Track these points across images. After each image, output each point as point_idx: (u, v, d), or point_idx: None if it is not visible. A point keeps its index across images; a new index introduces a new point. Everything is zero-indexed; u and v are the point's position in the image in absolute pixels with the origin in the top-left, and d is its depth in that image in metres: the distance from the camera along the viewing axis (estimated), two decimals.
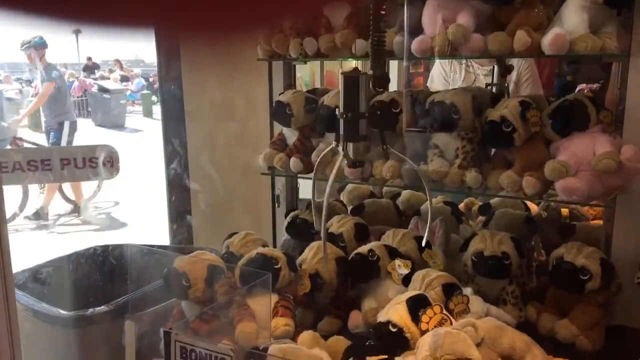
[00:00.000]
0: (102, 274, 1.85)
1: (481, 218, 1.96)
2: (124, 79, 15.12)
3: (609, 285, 1.43)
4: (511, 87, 2.40)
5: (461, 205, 2.08)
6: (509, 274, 1.51)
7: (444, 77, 2.49)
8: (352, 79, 1.29)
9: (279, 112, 1.76)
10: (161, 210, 2.25)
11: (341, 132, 1.32)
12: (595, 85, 2.74)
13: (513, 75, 2.42)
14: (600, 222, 1.85)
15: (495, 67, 1.83)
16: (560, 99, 1.49)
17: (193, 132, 1.87)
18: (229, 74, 1.90)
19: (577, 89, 2.64)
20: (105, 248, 1.86)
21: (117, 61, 15.38)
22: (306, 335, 1.26)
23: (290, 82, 1.91)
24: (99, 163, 2.43)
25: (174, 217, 2.04)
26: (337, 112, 1.64)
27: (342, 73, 1.31)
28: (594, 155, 1.39)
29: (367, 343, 1.14)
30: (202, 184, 1.93)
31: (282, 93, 1.81)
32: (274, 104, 1.78)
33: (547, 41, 1.37)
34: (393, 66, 2.41)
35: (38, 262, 1.84)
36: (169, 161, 1.85)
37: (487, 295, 1.55)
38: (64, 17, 0.27)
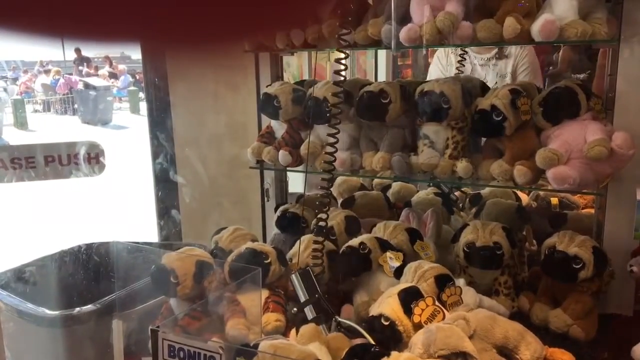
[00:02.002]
0: (88, 272, 1.81)
1: (473, 210, 1.95)
2: (112, 75, 14.95)
3: (601, 274, 1.43)
4: (508, 78, 2.39)
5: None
6: (501, 264, 1.50)
7: (441, 71, 2.47)
8: None
9: (267, 105, 1.73)
10: (148, 207, 2.21)
11: None
12: (582, 75, 2.74)
13: (509, 65, 2.41)
14: (591, 210, 1.85)
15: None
16: (551, 87, 1.48)
17: (179, 126, 1.84)
18: (216, 65, 1.86)
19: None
20: (90, 246, 1.82)
21: (107, 58, 15.16)
22: (307, 328, 1.23)
23: (277, 74, 1.88)
24: (81, 159, 2.39)
25: (162, 213, 2.01)
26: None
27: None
28: (585, 142, 1.38)
29: (372, 349, 1.12)
30: (189, 178, 1.90)
31: (270, 85, 1.78)
32: (261, 96, 1.75)
33: (536, 27, 1.35)
34: (381, 55, 2.40)
35: (22, 261, 1.80)
36: (155, 156, 1.81)
37: (479, 285, 1.54)
38: (48, 32, 0.27)
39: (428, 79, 2.49)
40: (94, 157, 2.44)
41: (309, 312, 1.34)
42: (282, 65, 1.85)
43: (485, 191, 1.98)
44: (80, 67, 14.09)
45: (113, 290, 1.59)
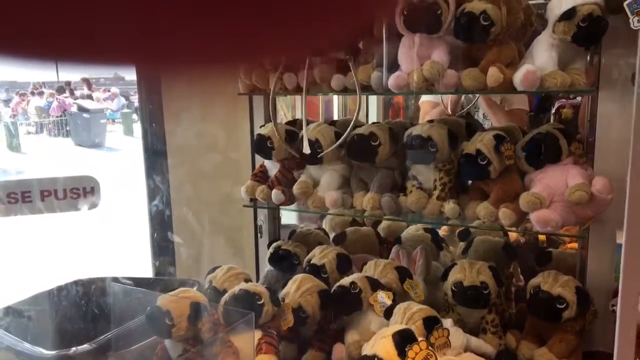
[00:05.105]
0: (83, 309, 1.83)
1: (461, 244, 2.00)
2: (89, 97, 14.79)
3: (584, 314, 1.47)
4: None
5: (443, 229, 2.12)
6: (488, 304, 1.54)
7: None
8: None
9: (260, 145, 1.78)
10: (143, 240, 2.24)
11: None
12: (576, 99, 2.77)
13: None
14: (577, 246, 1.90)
15: None
16: (533, 132, 1.54)
17: (175, 166, 1.88)
18: (211, 107, 1.92)
19: (556, 104, 2.66)
20: (85, 281, 1.84)
21: (85, 80, 15.02)
22: None
23: (270, 114, 1.94)
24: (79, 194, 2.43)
25: (156, 248, 2.04)
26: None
27: None
28: (566, 186, 1.44)
29: None
30: (184, 215, 1.94)
31: (263, 126, 1.83)
32: (255, 137, 1.80)
33: (518, 78, 1.42)
34: (372, 100, 2.47)
35: (17, 298, 1.82)
36: (151, 197, 1.85)
37: (467, 323, 1.58)
38: (41, 55, 0.26)
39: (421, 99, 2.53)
40: (90, 191, 2.48)
41: None
42: (275, 107, 1.91)
43: (474, 224, 2.03)
44: (68, 92, 14.12)
45: (108, 328, 1.62)
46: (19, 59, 0.26)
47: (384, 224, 2.13)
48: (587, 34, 1.36)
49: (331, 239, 2.04)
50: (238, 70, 1.54)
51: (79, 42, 0.26)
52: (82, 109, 12.80)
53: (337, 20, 0.29)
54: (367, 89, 1.63)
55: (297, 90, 1.72)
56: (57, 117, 13.50)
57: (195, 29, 0.26)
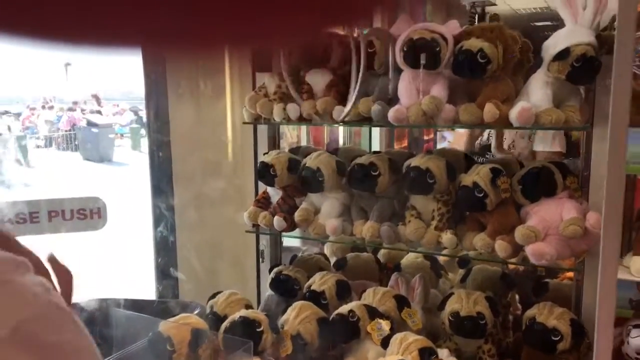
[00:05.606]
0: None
1: (460, 271, 2.02)
2: (99, 112, 15.02)
3: (579, 346, 1.49)
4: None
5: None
6: (485, 334, 1.57)
7: None
8: None
9: (263, 172, 1.83)
10: (147, 261, 2.28)
11: None
12: None
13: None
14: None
15: None
16: (529, 166, 1.58)
17: (180, 191, 1.93)
18: (217, 135, 1.97)
19: None
20: (88, 305, 1.87)
21: (94, 96, 15.29)
22: None
23: (274, 142, 1.99)
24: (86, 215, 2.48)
25: (160, 271, 2.08)
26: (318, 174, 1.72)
27: None
28: (561, 220, 1.47)
29: None
30: (188, 240, 1.98)
31: (267, 153, 1.88)
32: (258, 165, 1.85)
33: (514, 114, 1.45)
34: (375, 130, 2.53)
35: None
36: (156, 224, 1.90)
37: (464, 353, 1.61)
38: (50, 38, 0.26)
39: None
40: (96, 212, 2.53)
41: None
42: (279, 134, 1.95)
43: (471, 254, 2.05)
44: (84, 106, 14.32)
45: (110, 352, 1.65)
46: (25, 39, 0.26)
47: (384, 250, 2.16)
48: (581, 74, 1.41)
49: (332, 264, 2.07)
50: (246, 52, 1.51)
51: (85, 23, 0.26)
52: (91, 124, 12.95)
53: (340, 4, 0.30)
54: (367, 120, 1.68)
55: (300, 120, 1.77)
56: (66, 131, 13.66)
57: (199, 11, 0.26)
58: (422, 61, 1.47)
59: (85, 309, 1.67)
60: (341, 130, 2.96)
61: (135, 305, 1.84)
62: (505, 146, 2.51)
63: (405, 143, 3.97)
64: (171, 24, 0.27)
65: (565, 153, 2.50)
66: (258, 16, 0.28)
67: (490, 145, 2.41)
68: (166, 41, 0.29)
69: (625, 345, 1.54)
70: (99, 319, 1.63)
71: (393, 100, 1.63)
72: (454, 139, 2.72)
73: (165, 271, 1.96)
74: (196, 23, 0.27)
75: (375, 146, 2.64)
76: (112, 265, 5.50)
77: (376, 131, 2.66)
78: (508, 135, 2.48)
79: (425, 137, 4.13)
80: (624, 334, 1.55)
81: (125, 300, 1.89)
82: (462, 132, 2.57)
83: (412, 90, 1.58)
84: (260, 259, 2.03)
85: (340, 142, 3.05)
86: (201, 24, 0.27)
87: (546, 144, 2.49)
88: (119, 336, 1.54)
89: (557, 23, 1.49)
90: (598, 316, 1.22)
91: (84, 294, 1.96)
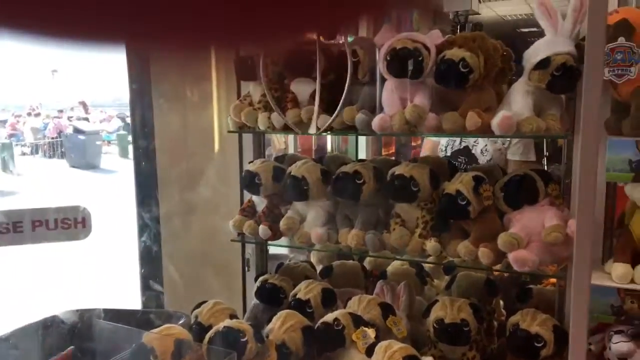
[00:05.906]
0: (69, 344, 1.84)
1: (446, 278, 2.03)
2: (85, 119, 14.94)
3: (562, 352, 1.50)
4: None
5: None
6: (469, 341, 1.57)
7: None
8: None
9: (248, 181, 1.82)
10: (132, 270, 2.26)
11: None
12: None
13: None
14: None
15: None
16: (511, 174, 1.59)
17: (165, 200, 1.92)
18: (202, 144, 1.97)
19: None
20: (71, 315, 1.85)
21: (82, 102, 15.24)
22: None
23: (259, 151, 1.99)
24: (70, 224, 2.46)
25: (145, 281, 2.06)
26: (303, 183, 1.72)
27: None
28: (543, 227, 1.48)
29: None
30: (174, 248, 1.97)
31: (252, 162, 1.88)
32: (243, 173, 1.84)
33: (495, 122, 1.47)
34: (362, 137, 2.54)
35: (3, 330, 1.82)
36: (141, 232, 1.89)
37: None
38: (35, 31, 0.26)
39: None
40: (80, 222, 2.51)
41: None
42: (264, 143, 1.96)
43: (455, 261, 2.06)
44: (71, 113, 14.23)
45: None
46: (15, 33, 0.26)
47: (370, 257, 2.16)
48: (562, 83, 1.43)
49: (318, 272, 2.07)
50: (229, 52, 1.45)
51: (71, 18, 0.26)
52: (77, 131, 12.85)
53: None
54: (351, 128, 1.69)
55: (285, 129, 1.77)
56: (52, 138, 13.54)
57: (185, 10, 0.26)
58: (410, 67, 1.48)
59: (65, 321, 1.66)
60: (329, 136, 2.97)
61: (119, 315, 1.82)
62: (478, 151, 2.54)
63: (392, 149, 4.00)
64: (155, 22, 0.27)
65: (536, 161, 2.54)
66: (243, 17, 0.28)
67: (463, 149, 2.43)
68: (150, 39, 0.29)
69: (607, 351, 1.55)
70: (82, 331, 1.61)
71: (377, 109, 1.64)
72: (423, 145, 2.74)
73: (149, 278, 1.95)
74: (180, 22, 0.27)
75: (362, 153, 2.66)
76: (97, 275, 5.44)
77: (363, 138, 2.68)
78: (481, 140, 2.50)
79: (413, 144, 4.16)
80: (605, 340, 1.56)
81: (109, 310, 1.87)
82: (432, 139, 2.59)
83: (395, 99, 1.59)
84: (246, 268, 2.03)
85: (328, 148, 3.07)
86: (185, 22, 0.27)
87: (523, 154, 2.52)
88: (101, 348, 1.53)
89: (542, 29, 1.50)
90: (572, 319, 1.23)
91: (67, 304, 1.94)
